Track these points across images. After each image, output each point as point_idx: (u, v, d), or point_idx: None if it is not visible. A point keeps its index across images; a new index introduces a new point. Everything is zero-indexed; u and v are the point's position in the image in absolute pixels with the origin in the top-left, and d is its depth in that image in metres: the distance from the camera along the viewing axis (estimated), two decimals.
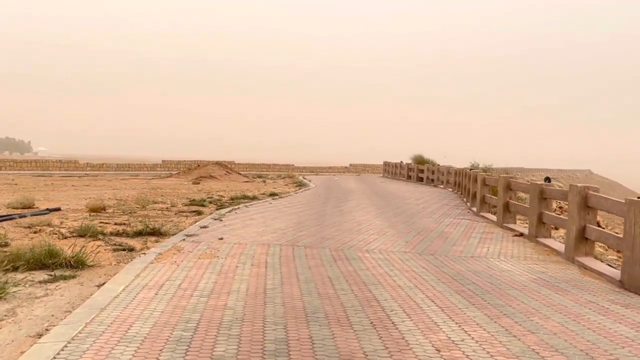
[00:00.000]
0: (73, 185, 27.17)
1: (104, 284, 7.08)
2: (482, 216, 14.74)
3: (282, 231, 11.50)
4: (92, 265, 8.21)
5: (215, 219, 13.14)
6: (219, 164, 40.31)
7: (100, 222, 13.09)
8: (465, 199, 19.66)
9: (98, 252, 9.11)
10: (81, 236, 10.72)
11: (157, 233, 11.11)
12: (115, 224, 12.93)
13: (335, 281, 7.19)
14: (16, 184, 27.56)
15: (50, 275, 7.65)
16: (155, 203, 18.37)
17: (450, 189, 26.96)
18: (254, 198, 20.76)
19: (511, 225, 12.60)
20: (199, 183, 31.92)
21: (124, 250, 9.52)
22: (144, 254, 9.02)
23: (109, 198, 19.69)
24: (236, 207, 16.07)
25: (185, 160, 60.56)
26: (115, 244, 10.01)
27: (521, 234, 11.58)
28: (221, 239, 10.37)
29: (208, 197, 21.24)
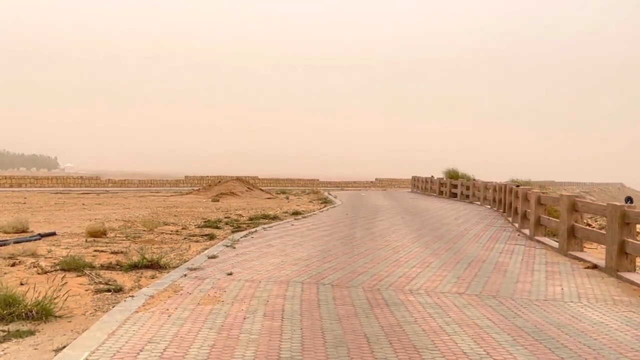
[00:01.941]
0: (84, 204, 25.59)
1: (64, 347, 5.26)
2: (538, 241, 12.69)
3: (305, 262, 9.61)
4: (60, 316, 6.40)
5: (227, 246, 11.29)
6: (240, 179, 38.61)
7: (95, 251, 11.35)
8: (510, 219, 17.59)
9: (75, 295, 7.34)
10: (65, 270, 8.97)
11: (155, 266, 9.30)
12: (112, 252, 11.16)
13: (374, 343, 5.27)
14: (24, 203, 26.09)
15: (4, 331, 5.88)
16: (166, 225, 16.61)
17: (489, 206, 24.85)
18: (275, 218, 18.91)
19: (578, 254, 10.55)
20: (218, 200, 30.20)
21: (110, 291, 7.70)
22: (132, 296, 7.18)
23: (116, 219, 17.98)
24: (253, 230, 14.21)
25: (208, 176, 59.19)
26: (101, 282, 8.20)
27: (595, 266, 9.53)
28: (230, 274, 8.50)
29: (225, 217, 19.47)
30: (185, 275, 8.42)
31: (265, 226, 15.20)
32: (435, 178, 36.54)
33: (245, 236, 12.95)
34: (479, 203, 27.25)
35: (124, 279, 8.47)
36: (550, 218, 12.55)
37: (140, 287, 7.97)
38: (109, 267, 9.50)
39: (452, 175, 35.40)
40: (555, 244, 11.81)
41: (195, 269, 8.84)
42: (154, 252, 11.11)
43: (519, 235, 14.24)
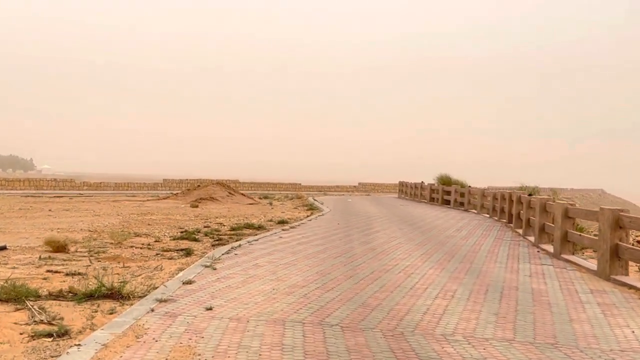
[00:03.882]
0: (50, 211, 23.55)
1: None
2: (566, 259, 11.02)
3: (302, 290, 7.82)
4: None
5: (206, 266, 9.47)
6: (220, 184, 36.68)
7: (47, 271, 9.51)
8: (520, 231, 15.94)
9: (2, 344, 5.53)
10: (1, 301, 7.13)
11: (115, 295, 7.46)
12: (67, 274, 9.31)
13: None
14: None
15: None
16: (137, 236, 14.73)
17: (487, 215, 23.25)
18: (260, 228, 17.11)
19: (624, 279, 8.89)
20: (197, 206, 28.31)
21: (51, 335, 5.86)
22: (79, 345, 5.37)
23: (81, 229, 16.05)
24: (236, 244, 12.39)
25: (187, 179, 57.09)
26: (43, 322, 6.35)
27: None
28: (210, 309, 6.69)
29: (205, 226, 17.62)
30: (153, 310, 6.61)
31: (250, 239, 13.37)
32: (426, 184, 34.93)
33: (227, 252, 11.12)
34: (475, 211, 25.65)
35: (74, 315, 6.63)
36: (582, 234, 10.91)
37: (93, 327, 6.16)
38: (59, 295, 7.64)
39: (445, 181, 33.79)
40: (590, 265, 10.16)
41: (165, 301, 7.02)
42: (117, 274, 9.31)
43: (538, 251, 12.57)
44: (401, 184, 43.71)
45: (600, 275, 9.35)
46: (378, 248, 12.36)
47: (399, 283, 8.51)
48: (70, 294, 7.70)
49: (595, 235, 10.71)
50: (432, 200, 33.37)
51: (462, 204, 28.34)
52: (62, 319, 6.46)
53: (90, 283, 8.36)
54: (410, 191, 39.24)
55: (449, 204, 30.43)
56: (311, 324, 6.17)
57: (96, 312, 6.82)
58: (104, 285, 7.55)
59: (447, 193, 31.00)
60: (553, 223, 12.36)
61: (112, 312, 6.79)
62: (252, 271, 9.18)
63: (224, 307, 6.80)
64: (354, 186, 66.77)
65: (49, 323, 6.31)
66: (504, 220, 19.79)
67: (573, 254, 11.35)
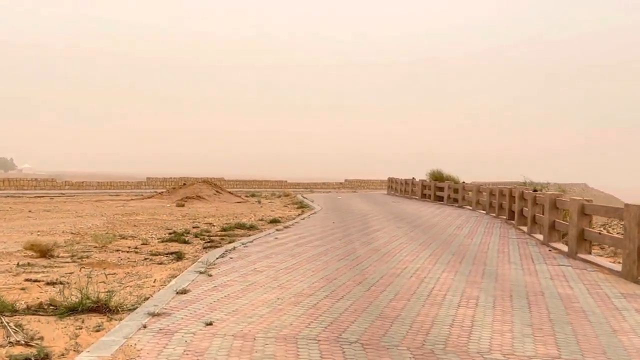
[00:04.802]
0: (30, 212, 22.57)
1: None
2: (583, 259, 10.34)
3: (310, 299, 7.07)
4: None
5: (200, 272, 8.68)
6: (207, 182, 35.79)
7: (26, 280, 8.68)
8: (525, 229, 15.28)
9: None
10: None
11: (102, 308, 6.66)
12: (48, 283, 8.48)
13: None
14: None
15: None
16: (123, 238, 13.90)
17: (484, 212, 22.62)
18: (252, 227, 16.31)
19: None
20: (183, 205, 27.41)
21: None
22: None
23: (63, 231, 15.17)
24: (231, 247, 11.59)
25: (171, 178, 56.03)
26: (19, 342, 5.54)
27: None
28: (210, 324, 5.91)
29: (194, 227, 16.80)
30: (145, 326, 5.82)
31: (244, 241, 12.58)
32: (418, 180, 34.27)
33: (222, 256, 10.33)
34: (470, 208, 25.00)
35: (55, 334, 5.83)
36: (602, 232, 10.26)
37: (77, 348, 5.38)
38: (39, 309, 6.83)
39: (437, 177, 33.14)
40: (612, 266, 9.52)
41: (159, 315, 6.23)
42: (103, 282, 8.50)
43: (550, 250, 11.90)
44: (390, 180, 43.04)
45: (626, 277, 8.68)
46: (382, 249, 11.63)
47: (414, 289, 7.77)
48: (52, 307, 6.89)
49: (618, 233, 10.06)
50: (423, 196, 32.72)
51: (455, 200, 27.70)
52: (41, 338, 5.66)
53: (74, 293, 7.56)
54: (400, 187, 38.58)
55: (441, 200, 29.78)
56: (327, 341, 5.42)
57: (80, 329, 6.03)
58: (89, 298, 6.74)
59: (440, 189, 30.35)
60: (564, 220, 11.71)
61: (98, 329, 6.00)
62: (251, 277, 8.41)
63: (226, 321, 6.03)
64: (341, 183, 66.00)
65: (27, 344, 5.50)
66: (504, 217, 19.16)
67: (590, 253, 10.68)
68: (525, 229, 15.48)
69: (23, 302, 7.09)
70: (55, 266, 9.97)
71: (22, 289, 8.04)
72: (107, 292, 7.55)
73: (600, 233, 10.16)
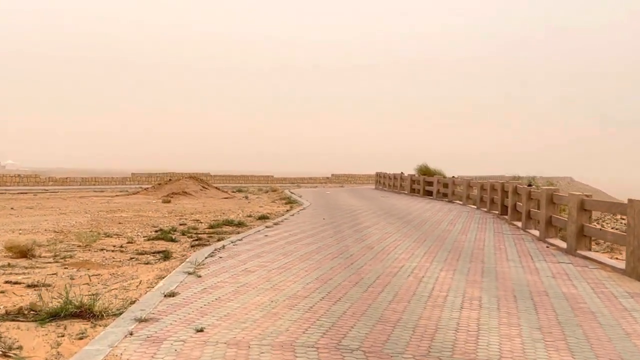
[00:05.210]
0: (12, 209, 22.03)
1: None
2: (583, 256, 10.08)
3: (305, 302, 6.72)
4: None
5: (189, 273, 8.30)
6: (193, 177, 35.34)
7: (6, 282, 8.28)
8: (520, 224, 15.02)
9: None
10: None
11: (86, 313, 6.27)
12: (29, 285, 8.08)
13: None
14: None
15: None
16: (107, 236, 13.48)
17: (474, 206, 22.38)
18: (240, 224, 15.94)
19: None
20: (169, 201, 26.99)
21: None
22: None
23: (46, 229, 14.72)
24: (220, 245, 11.21)
25: (157, 173, 55.51)
26: None
27: None
28: (201, 330, 5.55)
29: (180, 224, 16.42)
30: (132, 333, 5.44)
31: (234, 239, 12.20)
32: (406, 174, 34.01)
33: (211, 255, 9.95)
34: (460, 203, 24.76)
35: (35, 342, 5.45)
36: (603, 229, 9.98)
37: (59, 358, 5.00)
38: (19, 314, 6.45)
39: (425, 171, 32.90)
40: (616, 263, 9.26)
41: (146, 320, 5.86)
42: (87, 284, 8.12)
43: (547, 247, 11.63)
44: (378, 174, 42.77)
45: (630, 275, 8.42)
46: (375, 246, 11.30)
47: (413, 290, 7.45)
48: (32, 313, 6.51)
49: (613, 228, 9.79)
50: (412, 191, 32.46)
51: (445, 195, 27.46)
52: (20, 347, 5.28)
53: (56, 297, 7.18)
54: (388, 182, 38.32)
55: (430, 195, 29.54)
56: (327, 348, 5.07)
57: (63, 336, 5.64)
58: (71, 302, 6.35)
59: (429, 184, 30.11)
60: (561, 215, 11.45)
61: (82, 336, 5.62)
62: (242, 278, 8.05)
63: (218, 327, 5.67)
64: (327, 177, 65.71)
65: (4, 355, 5.12)
66: (495, 212, 18.92)
67: (589, 249, 10.42)
68: (519, 224, 15.23)
69: (1, 307, 6.73)
70: (37, 267, 9.57)
71: (1, 292, 7.64)
72: (91, 295, 7.18)
73: (601, 229, 9.90)
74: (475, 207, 22.33)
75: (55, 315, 6.22)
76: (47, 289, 7.81)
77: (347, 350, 5.02)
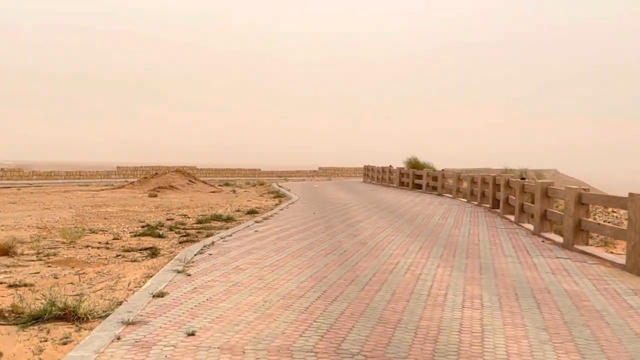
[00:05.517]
0: None
1: None
2: (581, 251, 9.88)
3: (301, 302, 6.44)
4: None
5: (178, 272, 8.00)
6: (179, 171, 34.93)
7: None
8: (513, 218, 14.84)
9: None
10: None
11: (70, 316, 5.97)
12: (10, 285, 7.76)
13: None
14: None
15: None
16: (93, 232, 13.13)
17: (465, 200, 22.21)
18: (229, 219, 15.64)
19: None
20: (156, 195, 26.60)
21: None
22: None
23: (29, 225, 14.34)
24: (209, 242, 10.91)
25: (142, 167, 54.93)
26: None
27: None
28: (192, 334, 5.26)
29: (168, 219, 16.09)
30: (119, 337, 5.15)
31: (223, 234, 11.90)
32: (395, 167, 33.79)
33: (200, 252, 9.66)
34: (450, 196, 24.59)
35: (16, 348, 5.15)
36: (601, 223, 9.79)
37: None
38: None
39: (414, 164, 32.71)
40: (615, 258, 9.07)
41: (134, 323, 5.56)
42: (71, 283, 7.81)
43: (543, 241, 11.43)
44: (366, 168, 42.54)
45: (631, 271, 8.23)
46: (369, 242, 11.05)
47: (411, 288, 7.20)
48: (13, 315, 6.20)
49: (607, 222, 9.59)
50: (401, 184, 32.26)
51: (434, 188, 27.26)
52: (0, 354, 4.97)
53: (39, 298, 6.87)
54: (377, 175, 38.10)
55: (420, 189, 29.34)
56: (326, 353, 4.81)
57: (46, 341, 5.35)
58: (54, 304, 6.04)
59: (418, 177, 29.91)
60: (557, 210, 11.26)
61: (66, 341, 5.32)
62: (233, 277, 7.76)
63: (210, 330, 5.38)
64: (314, 171, 65.37)
65: None
66: (486, 205, 18.74)
67: (586, 244, 10.23)
68: (511, 217, 15.05)
69: None
70: (19, 265, 9.24)
71: None
72: (76, 295, 6.89)
73: (599, 224, 9.69)
74: (465, 200, 22.15)
75: (38, 318, 5.92)
76: (29, 289, 7.50)
77: (348, 355, 4.76)
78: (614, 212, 16.78)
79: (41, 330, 5.65)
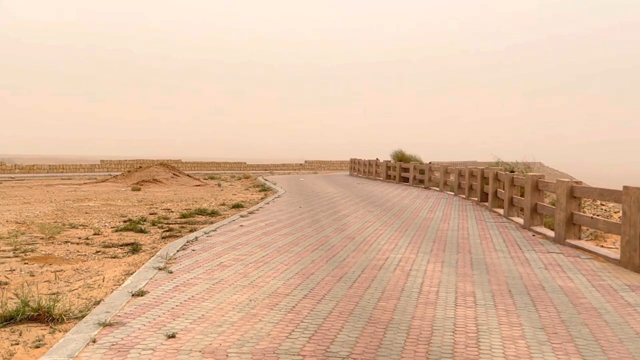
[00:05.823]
0: None
1: None
2: (573, 246, 9.68)
3: (286, 301, 6.17)
4: None
5: (159, 269, 7.70)
6: (164, 164, 34.48)
7: None
8: (502, 211, 14.66)
9: None
10: None
11: (44, 317, 5.67)
12: None
13: None
14: None
15: None
16: (73, 227, 12.78)
17: (452, 193, 22.02)
18: (214, 213, 15.34)
19: None
20: (139, 189, 26.19)
21: None
22: None
23: (8, 220, 13.94)
24: (192, 236, 10.60)
25: (126, 160, 54.37)
26: None
27: None
28: (172, 336, 4.98)
29: (151, 213, 15.75)
30: (95, 340, 4.86)
31: (207, 229, 11.58)
32: (382, 161, 33.56)
33: (183, 248, 9.35)
34: (437, 189, 24.39)
35: None
36: (594, 217, 9.57)
37: None
38: None
39: (400, 157, 32.49)
40: (608, 253, 8.87)
41: (111, 325, 5.27)
42: (48, 282, 7.49)
43: (533, 235, 11.23)
44: (353, 161, 42.28)
45: (626, 266, 8.03)
46: (357, 236, 10.79)
47: (401, 285, 6.95)
48: None
49: (596, 215, 9.38)
50: (388, 177, 32.04)
51: (421, 181, 27.06)
52: None
53: (12, 295, 6.58)
54: (363, 169, 37.86)
55: (407, 182, 29.14)
56: (314, 356, 4.54)
57: (17, 344, 5.05)
58: (28, 304, 5.73)
59: (405, 170, 29.69)
60: (548, 203, 11.05)
61: (39, 344, 5.03)
62: (217, 274, 7.47)
63: (191, 332, 5.10)
64: (300, 164, 65.12)
65: None
66: (474, 199, 18.55)
67: (579, 238, 10.04)
68: (500, 211, 14.87)
69: None
70: None
71: None
72: (51, 294, 6.58)
73: (592, 217, 9.47)
74: (452, 193, 21.96)
75: (10, 319, 5.62)
76: (3, 288, 7.17)
77: (337, 359, 4.50)
78: (603, 205, 16.65)
79: (13, 332, 5.35)
